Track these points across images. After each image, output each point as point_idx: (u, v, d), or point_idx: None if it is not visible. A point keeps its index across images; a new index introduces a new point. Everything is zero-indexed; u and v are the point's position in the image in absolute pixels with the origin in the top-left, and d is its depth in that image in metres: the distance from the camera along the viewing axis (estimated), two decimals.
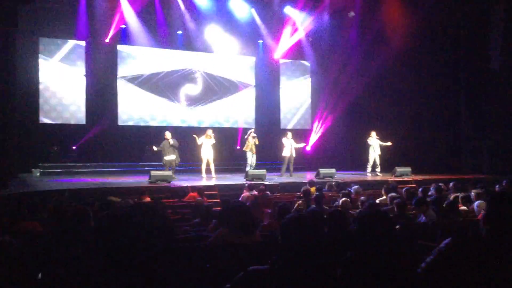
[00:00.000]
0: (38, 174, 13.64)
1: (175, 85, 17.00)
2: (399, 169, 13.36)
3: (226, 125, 17.63)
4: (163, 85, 16.79)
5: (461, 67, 15.33)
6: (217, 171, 13.20)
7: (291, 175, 13.64)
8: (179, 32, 16.65)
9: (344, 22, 17.48)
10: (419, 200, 5.96)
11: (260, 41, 18.09)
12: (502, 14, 14.36)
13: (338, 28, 17.68)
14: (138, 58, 16.46)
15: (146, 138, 15.69)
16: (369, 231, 2.26)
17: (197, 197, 8.57)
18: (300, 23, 17.86)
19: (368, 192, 9.77)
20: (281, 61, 18.75)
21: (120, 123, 16.07)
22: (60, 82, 15.16)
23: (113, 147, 15.27)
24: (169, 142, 12.44)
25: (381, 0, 16.12)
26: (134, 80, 16.38)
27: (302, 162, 15.88)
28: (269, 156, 15.65)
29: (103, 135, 15.15)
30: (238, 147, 13.61)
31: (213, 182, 11.83)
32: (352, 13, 17.22)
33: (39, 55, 14.83)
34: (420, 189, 8.53)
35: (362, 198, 7.43)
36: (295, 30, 17.98)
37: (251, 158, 13.44)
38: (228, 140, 16.46)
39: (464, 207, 6.76)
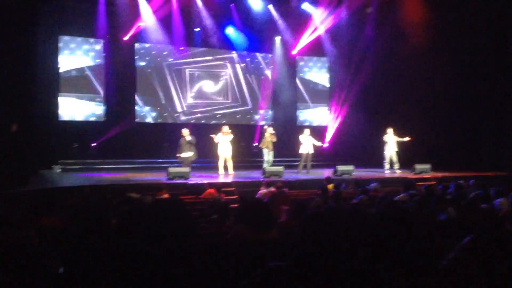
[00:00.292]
0: (59, 170, 13.85)
1: (192, 82, 17.08)
2: (418, 166, 13.21)
3: (243, 122, 17.65)
4: (180, 82, 16.89)
5: (481, 62, 15.05)
6: (234, 168, 13.23)
7: (309, 172, 13.59)
8: (197, 29, 16.71)
9: (362, 18, 17.33)
10: (439, 198, 5.89)
11: (277, 38, 18.04)
12: None
13: (356, 24, 17.52)
14: (156, 56, 16.57)
15: (163, 135, 15.84)
16: (388, 229, 2.24)
17: (215, 194, 8.61)
18: (317, 19, 17.75)
19: (387, 189, 9.68)
20: (298, 57, 18.68)
21: (137, 120, 16.22)
22: (80, 79, 15.36)
23: (131, 144, 15.42)
24: (185, 139, 12.50)
25: None
26: (151, 78, 16.51)
27: (320, 159, 15.80)
28: (286, 153, 15.61)
29: (121, 132, 15.30)
30: (255, 144, 13.62)
31: (230, 179, 11.87)
32: (370, 9, 17.06)
33: (59, 53, 15.04)
34: (440, 186, 8.42)
35: (380, 195, 7.36)
36: (313, 26, 17.87)
37: (268, 155, 13.42)
38: (245, 137, 16.47)
39: (484, 205, 6.65)
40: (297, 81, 18.71)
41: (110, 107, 15.61)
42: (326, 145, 17.57)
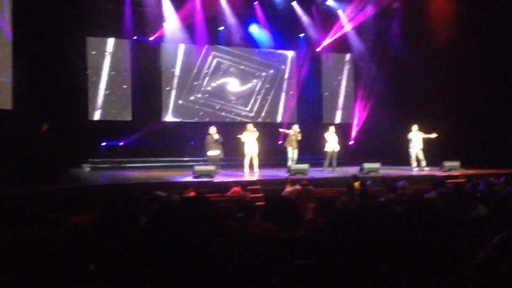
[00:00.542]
0: (88, 169, 14.14)
1: (217, 81, 17.17)
2: (447, 163, 12.97)
3: (268, 119, 17.64)
4: (205, 81, 17.00)
5: (510, 57, 14.64)
6: (259, 165, 13.24)
7: (334, 170, 13.50)
8: (221, 28, 16.78)
9: (388, 13, 17.08)
10: (469, 196, 5.77)
11: (302, 35, 17.94)
12: None
13: (382, 19, 17.29)
14: (181, 55, 16.72)
15: (189, 133, 15.98)
16: (417, 227, 2.21)
17: (240, 192, 8.63)
18: (343, 15, 17.58)
19: (415, 187, 9.53)
20: (323, 54, 18.53)
21: (164, 119, 16.41)
22: (107, 80, 15.64)
23: (158, 143, 15.60)
24: (213, 137, 12.56)
25: None
26: (177, 76, 16.67)
27: (346, 156, 15.68)
28: (312, 150, 15.53)
29: (148, 131, 15.49)
30: (280, 142, 13.58)
31: (255, 177, 11.88)
32: (396, 4, 16.80)
33: (87, 54, 15.33)
34: (470, 184, 8.24)
35: (408, 193, 7.26)
36: (338, 22, 17.70)
37: (292, 153, 13.37)
38: (270, 135, 16.44)
39: None
40: (322, 78, 18.57)
41: (137, 106, 15.83)
42: (351, 142, 17.42)
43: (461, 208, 6.09)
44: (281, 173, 12.59)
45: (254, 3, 16.60)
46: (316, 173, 12.62)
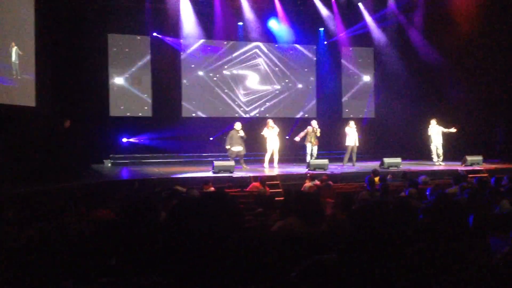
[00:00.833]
0: (109, 164, 14.34)
1: (237, 76, 17.19)
2: (469, 158, 12.76)
3: (287, 115, 17.58)
4: (225, 76, 17.04)
5: None
6: (279, 161, 13.24)
7: (354, 165, 13.41)
8: (240, 23, 16.77)
9: (410, 6, 16.80)
10: (493, 190, 5.66)
11: (321, 29, 17.80)
12: None
13: (403, 12, 17.03)
14: (200, 50, 16.77)
15: (209, 129, 16.07)
16: (439, 222, 2.18)
17: (260, 187, 8.64)
18: (363, 8, 17.36)
19: (436, 182, 9.40)
20: (343, 48, 18.36)
21: (184, 115, 16.51)
22: (128, 76, 15.80)
23: (178, 139, 15.70)
24: (238, 133, 12.58)
25: None
26: (196, 72, 16.74)
27: (366, 151, 15.55)
28: (331, 145, 15.45)
29: (168, 127, 15.61)
30: (298, 139, 13.50)
31: (275, 172, 11.88)
32: None
33: (108, 50, 15.50)
34: (492, 178, 8.08)
35: (429, 188, 7.16)
36: (358, 16, 17.49)
37: (311, 149, 13.33)
38: (290, 131, 16.38)
39: None
40: (342, 72, 18.42)
41: (157, 102, 15.96)
42: (372, 137, 17.26)
43: (484, 203, 5.98)
44: (301, 169, 12.55)
45: None
46: (336, 168, 12.56)
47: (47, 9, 11.55)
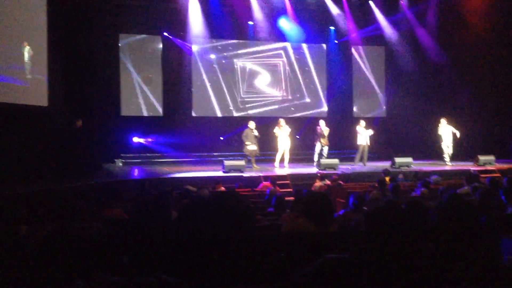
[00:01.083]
0: (121, 164, 14.42)
1: (247, 75, 17.19)
2: (481, 158, 12.63)
3: (298, 114, 17.55)
4: (235, 76, 17.05)
5: None
6: (289, 160, 13.22)
7: (365, 164, 13.35)
8: (250, 22, 16.76)
9: (422, 5, 16.65)
10: (507, 190, 5.59)
11: (332, 28, 17.72)
12: None
13: (415, 11, 16.89)
14: (211, 50, 16.81)
15: (219, 128, 16.10)
16: (451, 222, 2.16)
17: (270, 187, 8.64)
18: (374, 7, 17.23)
19: (448, 182, 9.32)
20: (354, 47, 18.27)
21: (194, 114, 16.56)
22: (139, 76, 15.88)
23: (188, 138, 15.74)
24: (252, 132, 12.61)
25: None
26: (207, 71, 16.77)
27: (377, 151, 15.46)
28: (342, 145, 15.40)
29: (178, 126, 15.66)
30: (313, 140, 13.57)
31: (285, 171, 11.86)
32: None
33: (119, 50, 15.60)
34: (505, 178, 7.99)
35: (441, 188, 7.11)
36: (369, 14, 17.36)
37: (320, 148, 13.31)
38: (300, 130, 16.36)
39: None
40: (353, 71, 18.33)
41: (167, 102, 16.03)
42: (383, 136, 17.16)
43: (497, 204, 5.92)
44: (311, 168, 12.53)
45: None
46: (346, 168, 12.51)
47: (59, 9, 11.63)
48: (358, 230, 3.72)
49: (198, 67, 16.69)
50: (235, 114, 16.87)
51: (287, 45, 17.48)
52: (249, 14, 16.56)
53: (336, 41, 17.94)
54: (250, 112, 17.06)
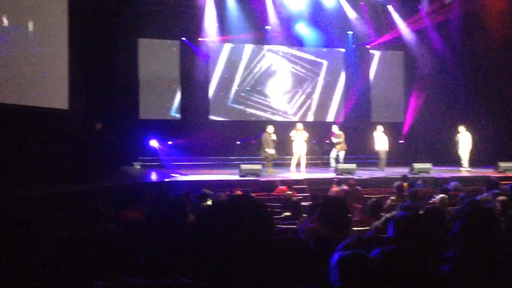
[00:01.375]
0: (138, 166, 14.56)
1: (264, 79, 17.22)
2: (502, 164, 12.41)
3: (315, 119, 17.50)
4: (252, 80, 17.09)
5: None
6: (306, 165, 13.18)
7: (383, 170, 13.24)
8: (268, 27, 16.79)
9: (441, 9, 16.46)
10: None
11: (350, 32, 17.64)
12: None
13: (434, 15, 16.71)
14: (229, 54, 16.89)
15: (236, 132, 16.15)
16: (472, 230, 2.13)
17: (286, 191, 8.62)
18: (393, 10, 17.10)
19: (468, 188, 9.17)
20: (372, 51, 18.16)
21: (211, 118, 16.64)
22: (157, 80, 16.04)
23: (205, 142, 15.82)
24: (271, 136, 12.63)
25: None
26: (224, 75, 16.86)
27: (395, 156, 15.31)
28: (359, 150, 15.30)
29: (195, 130, 15.75)
30: (328, 142, 13.54)
31: (302, 176, 11.83)
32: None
33: (139, 54, 15.79)
34: None
35: (461, 194, 7.00)
36: (388, 18, 17.24)
37: (335, 154, 13.26)
38: (317, 135, 16.30)
39: None
40: (371, 76, 18.21)
41: (185, 105, 16.15)
42: (401, 142, 17.00)
43: None
44: (328, 173, 12.46)
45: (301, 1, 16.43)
46: (364, 173, 12.43)
47: (80, 14, 11.84)
48: (376, 236, 3.69)
49: (215, 71, 16.78)
50: (252, 118, 16.90)
51: (305, 49, 17.46)
52: (266, 19, 16.60)
53: (354, 46, 17.85)
54: (267, 116, 17.07)
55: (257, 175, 11.36)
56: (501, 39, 14.55)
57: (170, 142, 15.75)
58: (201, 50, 16.36)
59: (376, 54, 18.27)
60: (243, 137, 16.24)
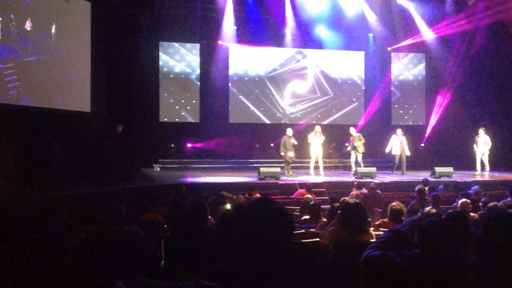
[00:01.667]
0: (158, 169, 14.69)
1: (283, 82, 17.20)
2: None
3: (334, 122, 17.40)
4: (272, 83, 17.09)
5: None
6: (325, 168, 13.12)
7: (404, 173, 13.08)
8: (287, 29, 16.77)
9: (464, 11, 16.21)
10: None
11: (370, 35, 17.51)
12: None
13: (456, 17, 16.45)
14: (248, 57, 16.92)
15: (255, 135, 16.16)
16: (495, 235, 2.09)
17: (305, 194, 8.59)
18: (415, 13, 16.90)
19: (491, 193, 9.02)
20: (393, 54, 17.97)
21: (231, 121, 16.69)
22: (178, 83, 16.19)
23: (225, 144, 15.88)
24: (290, 139, 12.64)
25: None
26: (243, 78, 16.90)
27: (416, 160, 15.12)
28: (379, 153, 15.14)
29: (215, 132, 15.82)
30: (347, 144, 13.49)
31: (321, 179, 11.77)
32: (472, 0, 15.93)
33: (159, 58, 15.96)
34: None
35: (484, 199, 6.88)
36: (410, 21, 17.03)
37: (355, 156, 13.17)
38: (337, 138, 16.19)
39: None
40: (391, 78, 18.02)
41: (205, 108, 16.23)
42: (422, 145, 16.78)
43: None
44: (347, 176, 12.38)
45: (321, 3, 16.36)
46: (384, 176, 12.31)
47: (102, 18, 12.03)
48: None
49: (235, 74, 16.84)
50: (271, 121, 16.89)
51: (325, 52, 17.38)
52: (286, 22, 16.58)
53: (374, 48, 17.70)
54: (287, 119, 17.05)
55: (276, 178, 11.36)
56: None
57: (189, 145, 15.87)
58: (221, 52, 16.43)
59: (398, 56, 18.08)
60: (262, 140, 16.26)
